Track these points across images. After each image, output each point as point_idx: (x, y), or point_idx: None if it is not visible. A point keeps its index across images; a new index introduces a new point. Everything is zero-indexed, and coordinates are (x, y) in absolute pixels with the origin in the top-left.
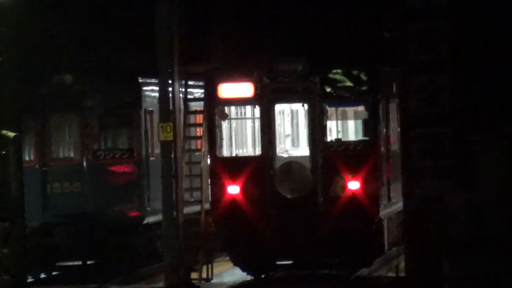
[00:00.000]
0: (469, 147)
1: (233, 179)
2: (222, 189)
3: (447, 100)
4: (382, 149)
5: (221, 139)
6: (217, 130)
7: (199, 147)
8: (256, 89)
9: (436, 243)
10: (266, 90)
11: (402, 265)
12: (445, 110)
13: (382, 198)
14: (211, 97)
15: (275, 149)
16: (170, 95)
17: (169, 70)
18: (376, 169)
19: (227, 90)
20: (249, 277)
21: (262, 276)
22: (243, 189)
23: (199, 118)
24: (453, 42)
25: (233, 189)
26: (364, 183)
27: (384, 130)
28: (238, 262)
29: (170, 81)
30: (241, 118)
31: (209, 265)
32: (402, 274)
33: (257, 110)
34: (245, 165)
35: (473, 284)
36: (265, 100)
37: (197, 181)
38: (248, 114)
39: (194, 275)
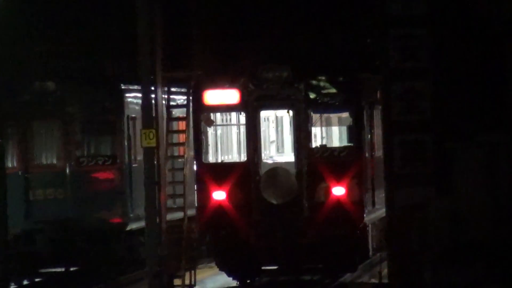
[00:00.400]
0: (449, 154)
1: (219, 185)
2: (208, 195)
3: (427, 108)
4: (367, 155)
5: (207, 145)
6: (203, 137)
7: (182, 153)
8: (241, 95)
9: (417, 250)
10: (251, 97)
11: (385, 271)
12: (425, 117)
13: (367, 204)
14: (196, 103)
15: (261, 155)
16: (153, 101)
17: (151, 77)
18: (361, 175)
19: (212, 96)
20: (232, 284)
21: (247, 281)
22: (229, 195)
23: (182, 125)
24: (433, 50)
25: (219, 195)
26: (349, 189)
27: (369, 136)
28: (223, 267)
29: (153, 88)
30: (227, 125)
31: (192, 272)
32: (385, 281)
33: (242, 117)
34: (231, 171)
35: None
36: (251, 107)
37: (180, 187)
38: (234, 121)
39: (177, 281)
